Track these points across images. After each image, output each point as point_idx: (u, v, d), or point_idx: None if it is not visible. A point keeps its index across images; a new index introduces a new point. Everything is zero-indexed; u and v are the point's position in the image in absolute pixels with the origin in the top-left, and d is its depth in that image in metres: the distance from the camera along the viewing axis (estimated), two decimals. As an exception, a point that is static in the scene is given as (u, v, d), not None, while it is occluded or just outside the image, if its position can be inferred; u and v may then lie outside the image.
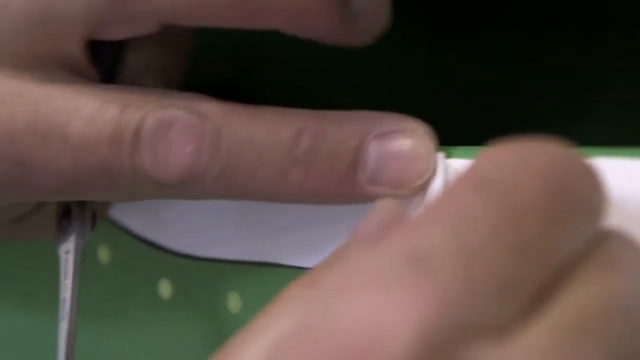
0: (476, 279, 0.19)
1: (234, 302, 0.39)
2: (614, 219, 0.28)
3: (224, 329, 0.39)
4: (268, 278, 0.37)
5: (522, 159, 0.22)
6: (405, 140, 0.32)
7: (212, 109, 0.33)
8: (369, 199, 0.32)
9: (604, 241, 0.22)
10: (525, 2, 0.70)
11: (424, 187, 0.32)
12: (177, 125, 0.32)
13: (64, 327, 0.36)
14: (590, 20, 0.71)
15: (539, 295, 0.20)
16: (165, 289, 0.41)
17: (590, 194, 0.22)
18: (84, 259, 0.37)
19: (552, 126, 0.71)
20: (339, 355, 0.19)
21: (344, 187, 0.33)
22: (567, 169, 0.22)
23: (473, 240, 0.20)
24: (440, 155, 0.32)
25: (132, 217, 0.42)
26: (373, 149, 0.32)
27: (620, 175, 0.29)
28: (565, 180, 0.21)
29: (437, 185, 0.32)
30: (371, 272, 0.20)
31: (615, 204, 0.28)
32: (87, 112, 0.32)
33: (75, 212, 0.36)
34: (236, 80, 0.68)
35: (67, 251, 0.36)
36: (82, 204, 0.37)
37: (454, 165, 0.33)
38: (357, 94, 0.74)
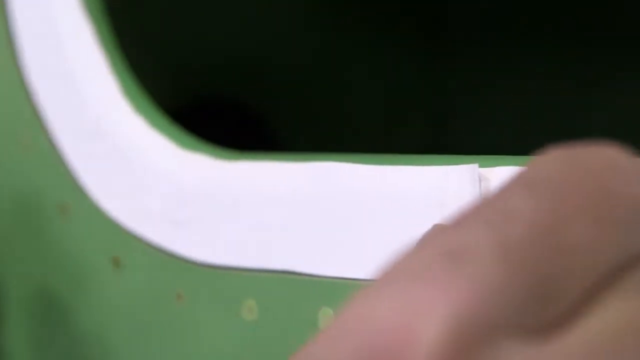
0: (515, 277, 0.18)
1: (249, 310, 0.38)
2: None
3: (239, 337, 0.39)
4: (284, 286, 0.37)
5: (575, 162, 0.21)
6: None
7: None
8: None
9: None
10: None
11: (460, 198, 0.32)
12: None
13: None
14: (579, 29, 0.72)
15: (579, 301, 0.19)
16: (179, 297, 0.41)
17: None
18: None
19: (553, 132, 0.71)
20: (367, 347, 0.18)
21: None
22: (622, 174, 0.21)
23: (515, 238, 0.19)
24: (474, 166, 0.32)
25: (146, 224, 0.42)
26: None
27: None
28: (620, 185, 0.20)
29: (471, 195, 0.31)
30: (408, 267, 0.19)
31: None
32: None
33: None
34: (228, 94, 0.69)
35: None
36: None
37: (486, 174, 0.32)
38: (348, 105, 0.75)
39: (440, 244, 0.19)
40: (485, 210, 0.20)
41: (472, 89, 0.75)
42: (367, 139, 0.73)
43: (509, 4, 0.72)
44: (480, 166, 0.32)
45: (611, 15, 0.69)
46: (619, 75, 0.69)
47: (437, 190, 0.33)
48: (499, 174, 0.31)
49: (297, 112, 0.70)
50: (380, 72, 0.73)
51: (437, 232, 0.20)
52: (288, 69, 0.69)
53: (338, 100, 0.72)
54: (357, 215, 0.35)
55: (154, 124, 0.43)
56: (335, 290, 0.35)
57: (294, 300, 0.36)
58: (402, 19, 0.74)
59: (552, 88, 0.72)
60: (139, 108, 0.43)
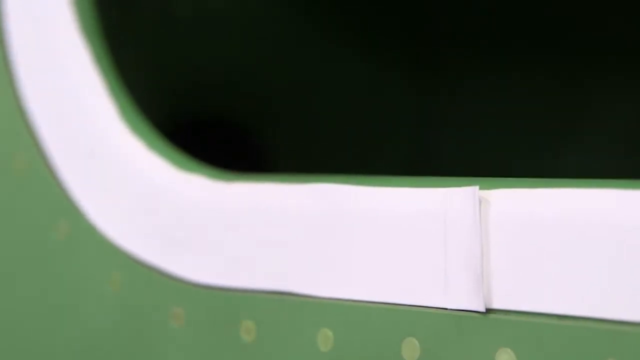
0: None
1: (247, 331, 0.38)
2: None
3: (237, 358, 0.39)
4: (282, 307, 0.37)
5: None
6: None
7: None
8: None
9: None
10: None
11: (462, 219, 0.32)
12: None
13: None
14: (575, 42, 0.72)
15: None
16: (176, 317, 0.41)
17: None
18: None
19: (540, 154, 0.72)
20: None
21: None
22: None
23: None
24: (475, 189, 0.32)
25: (143, 245, 0.42)
26: None
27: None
28: None
29: (473, 217, 0.32)
30: None
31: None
32: None
33: None
34: (227, 113, 0.69)
35: None
36: None
37: (486, 197, 0.32)
38: (346, 122, 0.75)
39: None
40: None
41: (454, 101, 0.75)
42: (356, 154, 0.73)
43: (493, 22, 0.73)
44: (480, 188, 0.32)
45: (593, 29, 0.70)
46: (606, 83, 0.70)
47: (437, 213, 0.33)
48: (498, 196, 0.32)
49: (287, 130, 0.70)
50: (370, 89, 0.74)
51: None
52: (278, 88, 0.69)
53: (328, 117, 0.72)
54: (356, 237, 0.35)
55: (151, 145, 0.43)
56: (334, 312, 0.35)
57: (293, 321, 0.37)
58: (389, 38, 0.74)
59: (535, 101, 0.72)
60: (136, 130, 0.44)
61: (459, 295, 0.32)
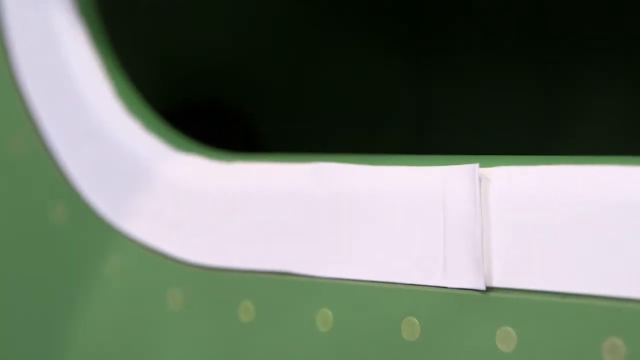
0: None
1: (245, 312, 0.38)
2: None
3: (236, 338, 0.39)
4: (281, 287, 0.37)
5: None
6: None
7: None
8: None
9: None
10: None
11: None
12: None
13: None
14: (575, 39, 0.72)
15: None
16: (174, 299, 0.41)
17: None
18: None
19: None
20: None
21: None
22: None
23: None
24: (475, 166, 0.32)
25: (141, 226, 0.42)
26: None
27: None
28: None
29: (473, 195, 0.32)
30: None
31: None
32: None
33: None
34: (223, 96, 0.69)
35: None
36: None
37: (486, 174, 0.32)
38: (344, 109, 0.75)
39: None
40: None
41: (453, 92, 0.75)
42: (352, 138, 0.73)
43: (491, 15, 0.73)
44: (481, 166, 0.32)
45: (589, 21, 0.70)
46: (605, 76, 0.70)
47: (437, 191, 0.33)
48: (499, 173, 0.32)
49: (282, 112, 0.70)
50: (365, 73, 0.74)
51: None
52: (273, 71, 0.69)
53: (323, 101, 0.72)
54: (355, 216, 0.35)
55: (149, 126, 0.43)
56: (333, 292, 0.35)
57: (292, 301, 0.36)
58: (386, 24, 0.74)
59: (533, 92, 0.72)
60: (133, 111, 0.43)
61: (459, 274, 0.32)
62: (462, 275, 0.32)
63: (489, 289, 0.31)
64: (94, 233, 0.44)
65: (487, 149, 0.72)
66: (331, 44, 0.71)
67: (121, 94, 0.44)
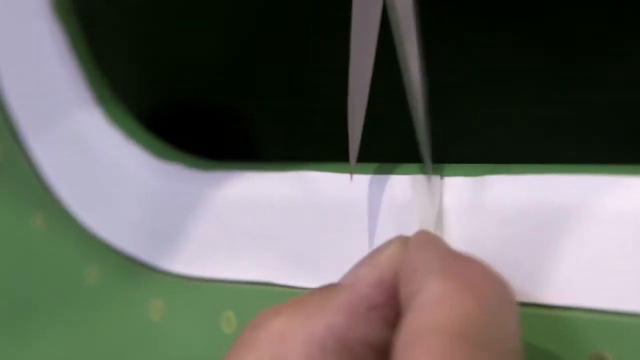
0: None
1: (227, 322, 0.38)
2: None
3: (217, 350, 0.38)
4: (262, 297, 0.37)
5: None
6: None
7: None
8: None
9: None
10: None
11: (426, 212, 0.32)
12: None
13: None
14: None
15: None
16: (155, 310, 0.40)
17: None
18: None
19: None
20: None
21: None
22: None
23: None
24: (437, 178, 0.32)
25: (122, 236, 0.41)
26: None
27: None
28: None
29: (435, 207, 0.31)
30: None
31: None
32: None
33: None
34: (217, 98, 0.68)
35: None
36: None
37: (448, 183, 0.32)
38: (327, 109, 0.74)
39: None
40: None
41: (455, 98, 0.75)
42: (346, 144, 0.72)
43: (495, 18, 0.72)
44: (484, 174, 0.32)
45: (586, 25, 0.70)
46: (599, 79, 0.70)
47: (405, 201, 0.32)
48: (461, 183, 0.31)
49: (275, 115, 0.69)
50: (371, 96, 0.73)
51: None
52: (267, 71, 0.68)
53: (317, 105, 0.71)
54: (337, 226, 0.35)
55: (129, 133, 0.42)
56: (315, 303, 0.35)
57: (273, 312, 0.36)
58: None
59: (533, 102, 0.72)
60: (113, 117, 0.43)
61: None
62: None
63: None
64: (73, 242, 0.43)
65: (494, 157, 0.71)
66: (329, 44, 0.71)
67: (101, 100, 0.44)
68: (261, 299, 0.37)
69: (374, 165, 0.35)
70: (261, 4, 0.67)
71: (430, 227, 0.31)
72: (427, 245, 0.29)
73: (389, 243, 0.30)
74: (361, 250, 0.34)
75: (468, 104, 0.73)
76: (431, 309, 0.26)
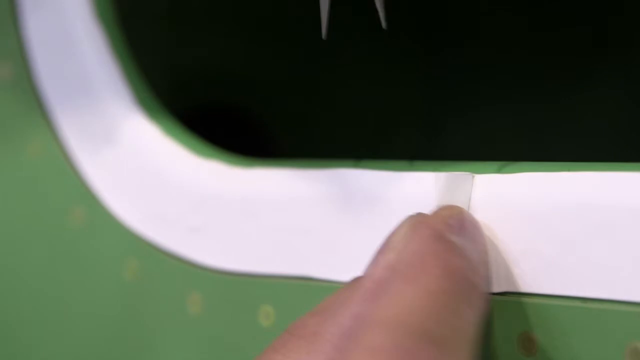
0: None
1: (266, 316, 0.39)
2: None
3: (254, 343, 0.39)
4: (301, 292, 0.37)
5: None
6: None
7: None
8: None
9: None
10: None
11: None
12: None
13: None
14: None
15: None
16: (194, 304, 0.41)
17: None
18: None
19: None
20: None
21: None
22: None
23: None
24: (468, 175, 0.32)
25: (161, 231, 0.42)
26: None
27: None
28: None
29: (466, 205, 0.32)
30: None
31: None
32: None
33: None
34: (228, 101, 0.69)
35: None
36: None
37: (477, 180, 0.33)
38: (351, 111, 0.75)
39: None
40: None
41: (465, 100, 0.75)
42: (361, 144, 0.73)
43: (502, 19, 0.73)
44: (499, 172, 0.32)
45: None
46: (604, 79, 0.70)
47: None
48: (518, 179, 0.32)
49: (293, 116, 0.70)
50: (377, 78, 0.74)
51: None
52: (290, 76, 0.69)
53: (334, 105, 0.72)
54: (371, 222, 0.35)
55: (168, 131, 0.43)
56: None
57: (311, 305, 0.36)
58: (398, 27, 0.74)
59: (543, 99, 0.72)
60: (152, 116, 0.44)
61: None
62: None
63: (506, 293, 0.31)
64: (112, 237, 0.44)
65: (502, 155, 0.72)
66: (343, 46, 0.72)
67: (140, 98, 0.44)
68: (299, 293, 0.37)
69: (407, 163, 0.35)
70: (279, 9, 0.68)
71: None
72: (416, 227, 0.30)
73: (401, 225, 0.31)
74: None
75: (487, 104, 0.74)
76: (374, 297, 0.28)
